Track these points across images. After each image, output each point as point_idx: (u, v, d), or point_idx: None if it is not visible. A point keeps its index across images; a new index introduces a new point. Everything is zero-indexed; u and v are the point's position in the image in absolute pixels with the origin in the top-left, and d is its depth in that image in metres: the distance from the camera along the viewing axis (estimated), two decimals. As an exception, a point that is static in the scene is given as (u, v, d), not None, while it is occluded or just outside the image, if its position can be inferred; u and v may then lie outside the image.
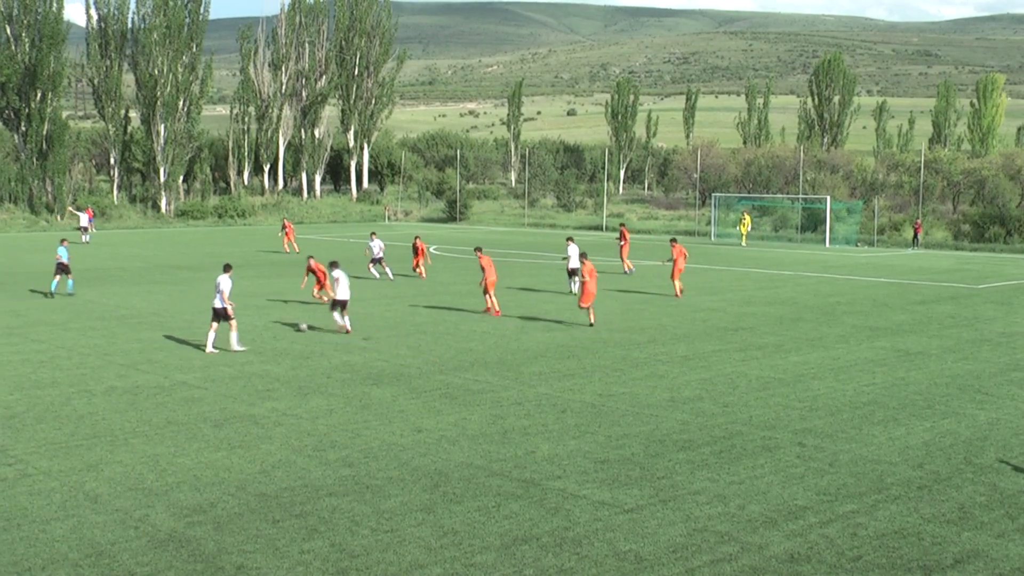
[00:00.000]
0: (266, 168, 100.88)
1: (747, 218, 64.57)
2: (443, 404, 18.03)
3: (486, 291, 30.19)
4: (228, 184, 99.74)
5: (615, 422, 16.76)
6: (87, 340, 24.85)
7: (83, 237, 60.41)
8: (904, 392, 19.28)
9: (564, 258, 36.54)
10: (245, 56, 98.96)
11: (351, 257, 49.42)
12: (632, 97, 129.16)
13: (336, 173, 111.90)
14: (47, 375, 20.39)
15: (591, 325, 27.57)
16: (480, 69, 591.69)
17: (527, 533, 11.60)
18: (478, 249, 31.53)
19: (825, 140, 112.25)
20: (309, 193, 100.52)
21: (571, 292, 34.65)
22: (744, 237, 64.26)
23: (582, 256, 29.65)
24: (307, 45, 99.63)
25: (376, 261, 40.32)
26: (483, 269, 30.12)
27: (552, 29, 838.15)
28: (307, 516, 12.10)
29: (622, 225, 48.45)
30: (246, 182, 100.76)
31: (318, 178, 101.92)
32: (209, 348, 23.21)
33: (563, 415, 17.23)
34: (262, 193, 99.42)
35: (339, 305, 25.78)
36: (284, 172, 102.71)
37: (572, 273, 34.64)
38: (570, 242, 35.67)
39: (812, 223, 67.76)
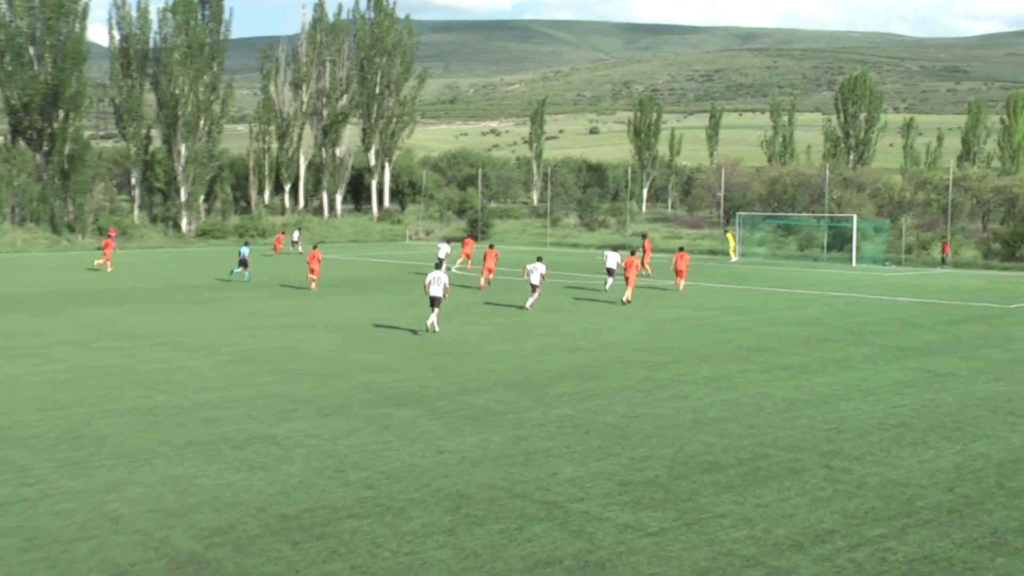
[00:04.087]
0: (287, 187, 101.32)
1: (730, 235, 67.39)
2: (465, 425, 18.03)
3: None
4: (249, 204, 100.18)
5: (639, 444, 16.71)
6: (109, 360, 24.99)
7: (298, 248, 69.03)
8: (934, 414, 19.16)
9: (604, 256, 44.69)
10: (266, 75, 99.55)
11: (373, 277, 49.57)
12: (655, 115, 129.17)
13: (357, 192, 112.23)
14: (69, 395, 20.50)
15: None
16: (502, 87, 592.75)
17: (550, 556, 11.57)
18: (315, 246, 44.76)
19: (851, 158, 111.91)
20: (330, 212, 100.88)
21: (606, 289, 42.57)
22: (732, 252, 65.72)
23: (491, 246, 45.89)
24: (328, 64, 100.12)
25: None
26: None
27: (574, 47, 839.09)
28: (327, 538, 12.11)
29: (644, 236, 54.57)
30: (267, 201, 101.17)
31: (339, 197, 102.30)
32: (431, 324, 29.71)
33: (586, 436, 17.20)
34: (283, 212, 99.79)
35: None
36: (305, 191, 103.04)
37: (609, 272, 43.09)
38: (614, 251, 45.43)
39: (838, 242, 67.49)
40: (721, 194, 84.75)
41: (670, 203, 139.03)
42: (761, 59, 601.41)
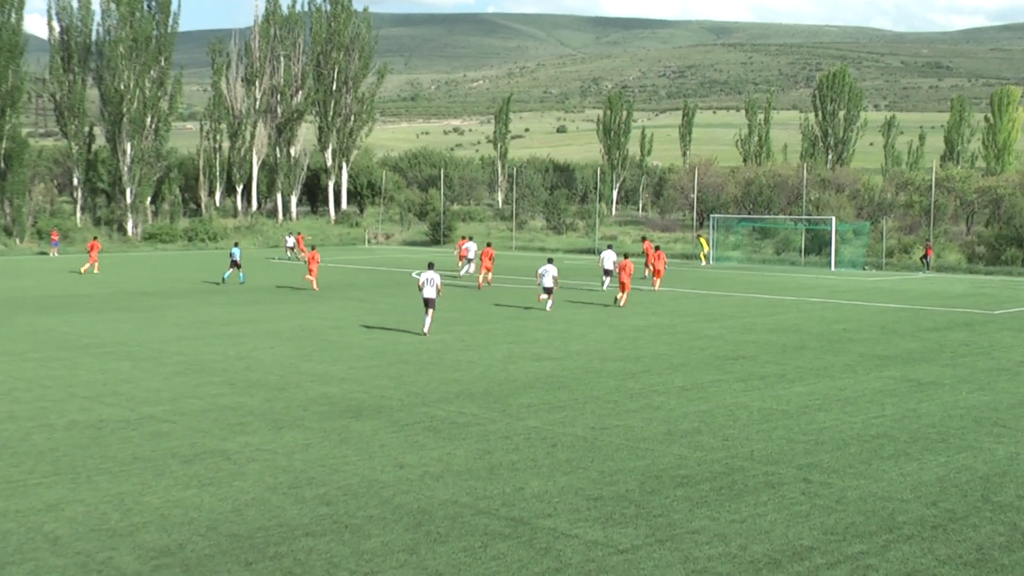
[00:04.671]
0: (239, 189, 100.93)
1: (703, 240, 67.89)
2: (426, 438, 17.99)
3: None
4: (199, 206, 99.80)
5: (608, 457, 16.73)
6: (48, 371, 24.76)
7: (291, 254, 67.88)
8: (916, 425, 19.28)
9: (600, 258, 47.85)
10: (217, 70, 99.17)
11: (330, 282, 49.38)
12: (625, 113, 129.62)
13: (313, 194, 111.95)
14: (4, 409, 20.28)
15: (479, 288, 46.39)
16: (465, 84, 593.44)
17: (516, 575, 11.55)
18: (313, 247, 50.97)
19: (830, 158, 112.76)
20: (285, 215, 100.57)
21: (603, 289, 45.76)
22: (704, 258, 66.18)
23: (488, 244, 49.75)
24: (282, 59, 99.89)
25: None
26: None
27: (541, 42, 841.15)
28: (282, 558, 12.05)
29: (644, 239, 57.87)
30: (218, 203, 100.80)
31: (294, 199, 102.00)
32: (426, 331, 31.09)
33: (553, 449, 17.20)
34: (235, 215, 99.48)
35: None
36: (258, 193, 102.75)
37: (607, 273, 46.02)
38: (608, 249, 47.91)
39: (816, 246, 67.92)
40: (694, 196, 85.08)
41: (641, 205, 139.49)
42: (736, 54, 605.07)
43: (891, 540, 12.76)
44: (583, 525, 13.23)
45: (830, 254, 63.98)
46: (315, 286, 45.66)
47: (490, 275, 48.13)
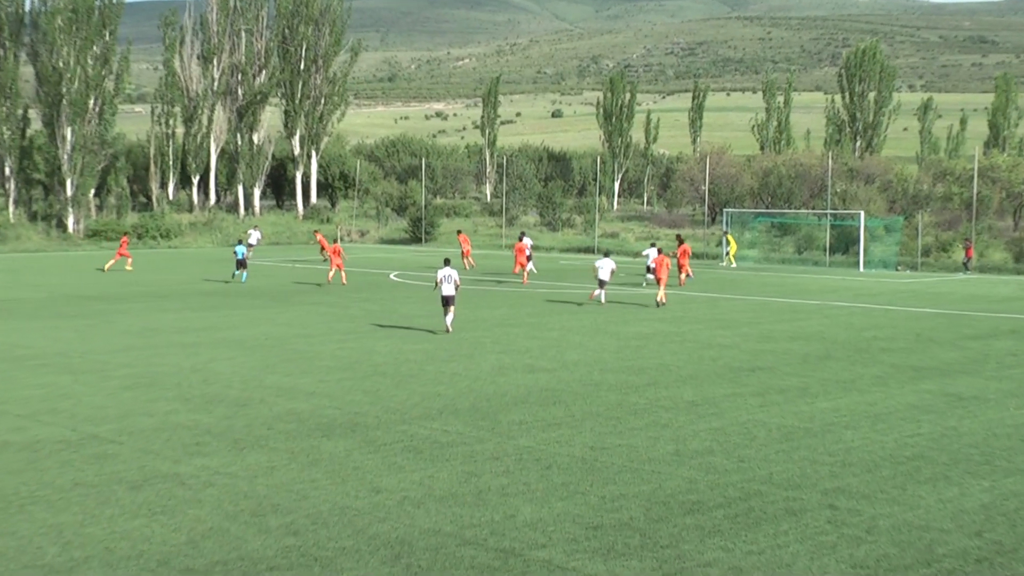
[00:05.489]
0: (195, 180, 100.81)
1: (731, 239, 67.38)
2: (406, 460, 17.96)
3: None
4: (149, 199, 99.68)
5: (610, 480, 16.71)
6: (-22, 385, 24.69)
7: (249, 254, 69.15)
8: (956, 445, 19.29)
9: (644, 255, 51.50)
10: (169, 46, 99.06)
11: (298, 285, 49.35)
12: (628, 95, 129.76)
13: (279, 186, 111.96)
14: (-71, 428, 20.23)
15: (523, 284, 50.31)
16: (449, 63, 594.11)
17: (507, 614, 11.54)
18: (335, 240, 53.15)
19: (858, 145, 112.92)
20: (247, 209, 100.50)
21: (643, 286, 49.04)
22: (732, 258, 65.96)
23: (520, 237, 53.65)
24: (243, 34, 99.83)
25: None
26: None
27: (534, 15, 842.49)
28: (242, 596, 12.01)
29: (678, 236, 58.78)
30: (171, 196, 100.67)
31: (257, 192, 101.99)
32: (449, 328, 33.27)
33: (548, 472, 17.18)
34: (190, 209, 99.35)
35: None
36: (217, 185, 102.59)
37: (649, 271, 48.32)
38: (652, 246, 49.59)
39: (843, 244, 68.05)
40: (706, 188, 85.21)
41: (646, 198, 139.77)
42: (752, 29, 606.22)
43: (930, 575, 12.75)
44: (581, 557, 13.22)
45: (858, 253, 64.12)
46: (344, 280, 49.73)
47: (522, 269, 51.50)
